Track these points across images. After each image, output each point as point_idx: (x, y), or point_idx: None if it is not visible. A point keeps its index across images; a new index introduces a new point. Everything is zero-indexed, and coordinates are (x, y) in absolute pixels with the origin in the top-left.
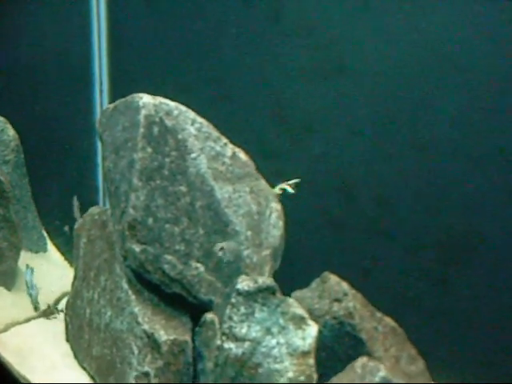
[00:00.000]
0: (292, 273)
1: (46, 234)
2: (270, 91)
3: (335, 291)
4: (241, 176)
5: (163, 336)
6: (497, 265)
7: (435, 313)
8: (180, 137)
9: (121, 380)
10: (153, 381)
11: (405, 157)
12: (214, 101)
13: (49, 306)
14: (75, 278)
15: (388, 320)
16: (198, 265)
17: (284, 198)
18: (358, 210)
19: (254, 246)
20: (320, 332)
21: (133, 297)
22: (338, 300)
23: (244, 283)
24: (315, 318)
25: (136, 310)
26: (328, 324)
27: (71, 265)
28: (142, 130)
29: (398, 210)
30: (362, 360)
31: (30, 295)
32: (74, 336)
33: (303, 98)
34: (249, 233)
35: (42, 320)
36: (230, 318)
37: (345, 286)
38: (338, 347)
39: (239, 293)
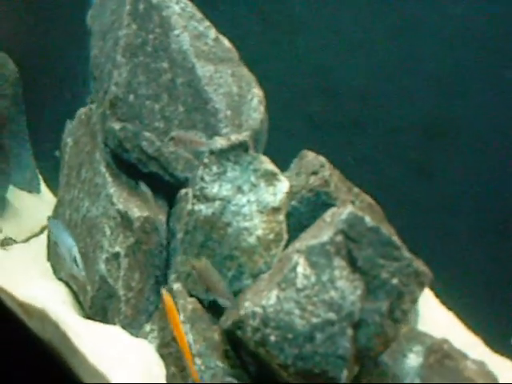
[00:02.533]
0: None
1: (40, 176)
2: None
3: (312, 165)
4: (223, 59)
5: (136, 213)
6: (477, 149)
7: (419, 202)
8: (164, 14)
9: (92, 268)
10: (123, 261)
11: (382, 48)
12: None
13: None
14: (59, 189)
15: (366, 196)
16: None
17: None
18: (339, 107)
19: (233, 125)
20: (296, 209)
21: (109, 179)
22: (314, 173)
23: (217, 142)
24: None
25: (112, 191)
26: (304, 198)
27: None
28: (128, 7)
29: (378, 104)
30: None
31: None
32: (54, 251)
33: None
34: (228, 112)
35: (25, 245)
36: (202, 179)
37: (322, 159)
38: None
39: (212, 152)
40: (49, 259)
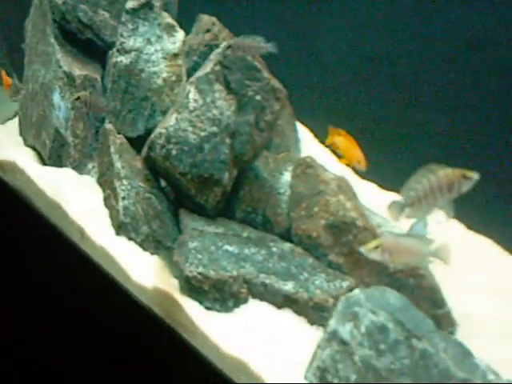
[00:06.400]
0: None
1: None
2: None
3: (206, 24)
4: None
5: (77, 72)
6: None
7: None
8: None
9: (49, 125)
10: (70, 114)
11: None
12: None
13: None
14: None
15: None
16: (104, 12)
17: None
18: None
19: None
20: (197, 63)
21: (57, 47)
22: (208, 30)
23: (130, 3)
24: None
25: (59, 56)
26: (202, 53)
27: None
28: None
29: None
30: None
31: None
32: (23, 125)
33: None
34: None
35: (2, 126)
36: (122, 35)
37: (214, 18)
38: None
39: (127, 11)
40: (21, 134)
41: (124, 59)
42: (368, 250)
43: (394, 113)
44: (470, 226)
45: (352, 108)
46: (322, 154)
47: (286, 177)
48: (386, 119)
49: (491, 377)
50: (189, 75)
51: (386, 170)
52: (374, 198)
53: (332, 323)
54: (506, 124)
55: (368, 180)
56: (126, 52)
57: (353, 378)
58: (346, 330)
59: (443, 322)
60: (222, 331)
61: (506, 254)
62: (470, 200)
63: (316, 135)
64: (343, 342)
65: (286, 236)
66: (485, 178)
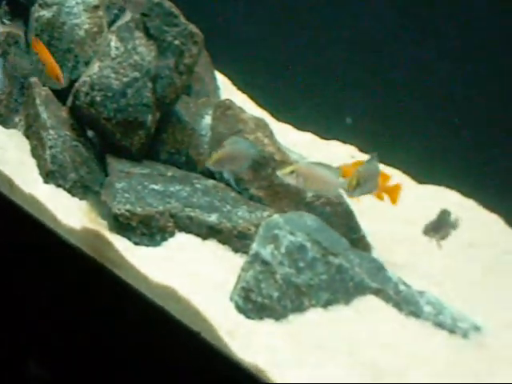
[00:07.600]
0: None
1: None
2: None
3: None
4: None
5: (0, 29)
6: None
7: None
8: None
9: None
10: None
11: None
12: None
13: None
14: None
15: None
16: None
17: None
18: None
19: None
20: (117, 16)
21: None
22: None
23: None
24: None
25: None
26: (121, 6)
27: None
28: None
29: None
30: None
31: None
32: None
33: None
34: None
35: None
36: None
37: None
38: None
39: None
40: None
41: (46, 13)
42: (284, 174)
43: (309, 58)
44: (381, 160)
45: (269, 55)
46: (241, 100)
47: (207, 120)
48: (301, 65)
49: (402, 288)
50: (109, 27)
51: (300, 112)
52: (290, 138)
53: (254, 246)
54: None
55: (284, 122)
56: (48, 6)
57: (275, 295)
58: (267, 252)
59: (359, 245)
60: (150, 263)
61: (413, 183)
62: (381, 135)
63: (234, 83)
64: (265, 263)
65: (209, 174)
66: (396, 117)
